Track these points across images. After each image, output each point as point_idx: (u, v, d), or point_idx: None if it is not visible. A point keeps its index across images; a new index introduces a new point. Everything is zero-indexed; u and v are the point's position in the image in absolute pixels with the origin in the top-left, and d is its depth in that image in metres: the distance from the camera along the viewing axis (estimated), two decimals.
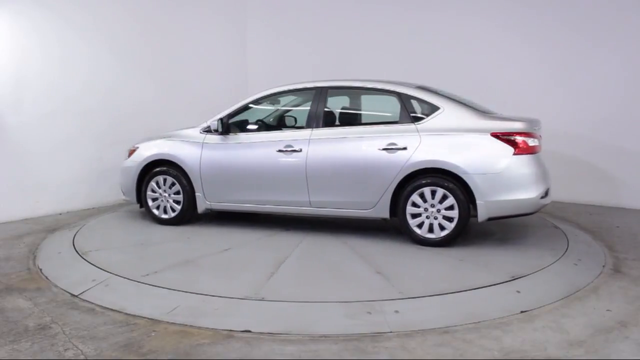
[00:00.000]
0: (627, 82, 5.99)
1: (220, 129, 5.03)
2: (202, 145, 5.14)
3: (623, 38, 5.97)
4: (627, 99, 6.01)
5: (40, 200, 5.91)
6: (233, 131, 5.13)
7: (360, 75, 5.82)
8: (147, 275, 3.68)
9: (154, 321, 2.99)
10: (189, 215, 5.26)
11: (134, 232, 5.09)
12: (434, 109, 4.52)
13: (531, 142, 4.25)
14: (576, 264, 3.95)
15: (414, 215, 4.42)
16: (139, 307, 3.19)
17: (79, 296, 3.41)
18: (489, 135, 4.25)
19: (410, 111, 4.61)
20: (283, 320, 2.99)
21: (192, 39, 7.59)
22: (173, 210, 5.26)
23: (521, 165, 4.19)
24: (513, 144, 4.20)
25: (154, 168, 5.32)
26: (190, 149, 5.18)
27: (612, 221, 5.44)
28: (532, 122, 4.45)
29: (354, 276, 3.68)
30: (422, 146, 4.39)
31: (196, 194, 5.17)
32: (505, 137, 4.23)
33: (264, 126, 5.37)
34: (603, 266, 3.94)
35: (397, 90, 4.69)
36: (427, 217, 4.37)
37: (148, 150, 5.38)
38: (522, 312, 3.07)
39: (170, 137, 5.41)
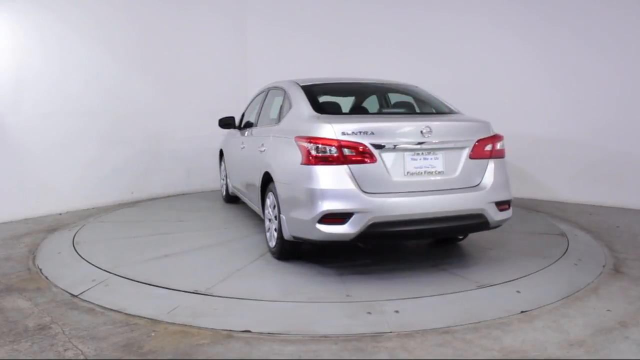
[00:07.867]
0: (626, 85, 6.00)
1: (221, 125, 5.75)
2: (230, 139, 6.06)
3: (624, 42, 5.96)
4: (627, 101, 6.01)
5: (40, 200, 5.91)
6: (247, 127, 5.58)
7: (359, 74, 5.81)
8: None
9: (154, 321, 2.98)
10: (229, 196, 6.31)
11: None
12: (290, 108, 4.18)
13: (331, 151, 3.41)
14: (576, 264, 3.95)
15: (271, 220, 4.13)
16: (139, 307, 3.18)
17: (79, 296, 3.41)
18: (293, 140, 3.68)
19: (285, 110, 4.27)
20: (283, 320, 2.99)
21: (192, 39, 7.59)
22: (225, 191, 6.51)
23: (303, 177, 3.50)
24: (303, 151, 3.54)
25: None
26: (228, 141, 6.17)
27: (612, 221, 5.44)
28: (376, 127, 3.53)
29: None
30: (269, 148, 4.17)
31: (228, 179, 6.23)
32: (301, 143, 3.59)
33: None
34: (603, 266, 3.94)
35: (283, 88, 4.48)
36: (271, 223, 4.10)
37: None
38: (522, 312, 3.07)
39: (229, 131, 6.19)
